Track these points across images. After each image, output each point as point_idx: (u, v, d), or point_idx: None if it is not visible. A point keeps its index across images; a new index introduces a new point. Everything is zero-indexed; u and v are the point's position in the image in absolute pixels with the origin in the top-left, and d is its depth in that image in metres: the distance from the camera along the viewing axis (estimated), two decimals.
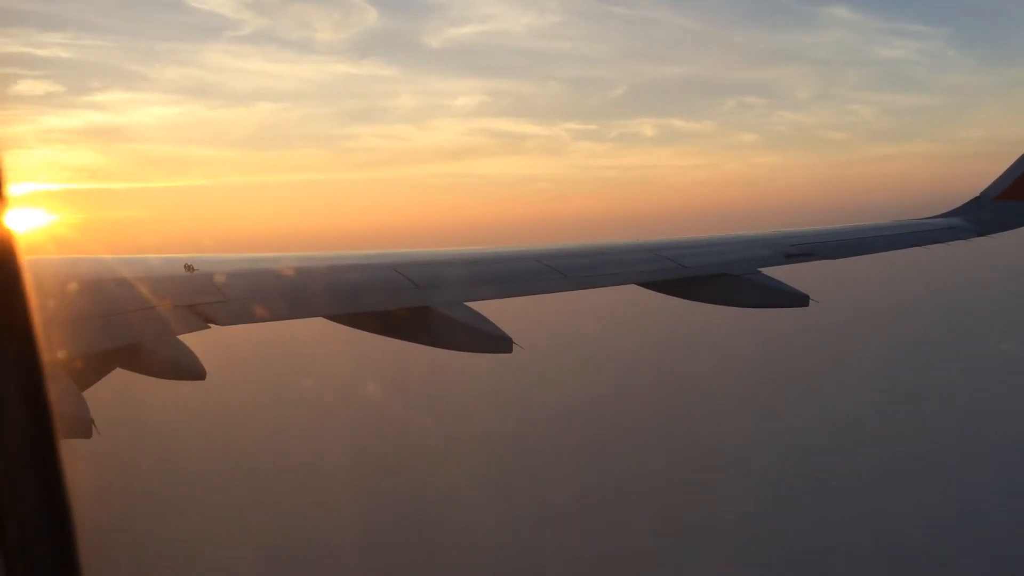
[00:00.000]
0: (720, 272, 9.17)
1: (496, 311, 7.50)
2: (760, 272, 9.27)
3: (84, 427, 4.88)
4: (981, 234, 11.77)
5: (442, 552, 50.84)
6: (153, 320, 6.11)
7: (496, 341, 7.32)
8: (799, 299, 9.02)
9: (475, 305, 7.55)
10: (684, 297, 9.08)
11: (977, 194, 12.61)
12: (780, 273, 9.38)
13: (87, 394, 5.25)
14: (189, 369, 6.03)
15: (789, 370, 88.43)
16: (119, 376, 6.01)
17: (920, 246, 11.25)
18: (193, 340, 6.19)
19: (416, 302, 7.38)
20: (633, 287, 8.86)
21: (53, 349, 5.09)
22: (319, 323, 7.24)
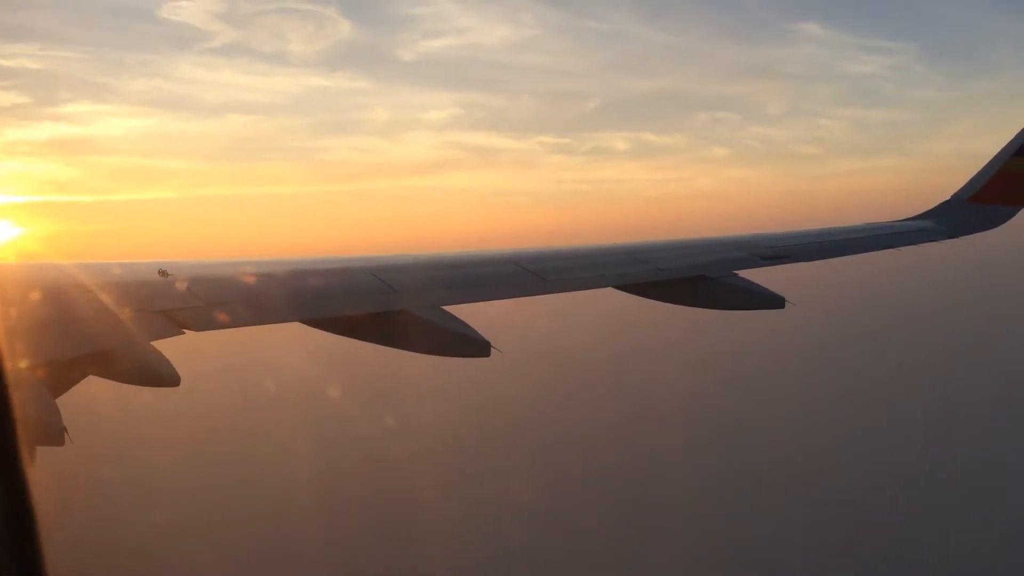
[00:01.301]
0: (696, 274, 9.22)
1: (474, 315, 7.48)
2: (736, 274, 9.34)
3: (56, 434, 4.81)
4: (952, 236, 11.93)
5: (418, 555, 50.64)
6: (126, 326, 6.04)
7: (474, 345, 7.30)
8: (775, 301, 9.09)
9: (453, 309, 7.53)
10: (660, 299, 9.11)
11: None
12: (756, 275, 9.44)
13: (60, 401, 5.18)
14: (163, 375, 5.95)
15: (765, 372, 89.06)
16: (92, 383, 5.93)
17: (892, 248, 11.38)
18: (167, 346, 6.13)
19: (393, 306, 7.35)
20: (610, 290, 8.88)
21: (22, 356, 5.01)
22: (295, 328, 7.19)
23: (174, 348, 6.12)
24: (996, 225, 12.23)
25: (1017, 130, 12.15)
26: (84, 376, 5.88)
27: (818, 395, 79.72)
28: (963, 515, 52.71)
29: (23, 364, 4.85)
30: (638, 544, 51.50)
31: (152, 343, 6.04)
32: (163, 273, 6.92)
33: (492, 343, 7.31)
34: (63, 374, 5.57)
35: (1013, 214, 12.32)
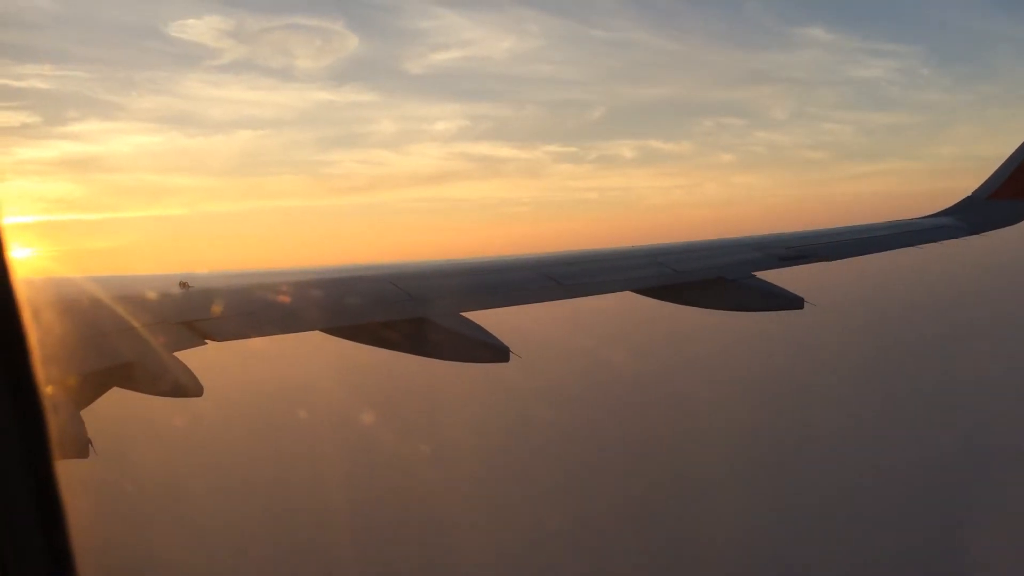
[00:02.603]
0: (714, 276, 9.18)
1: (492, 321, 7.49)
2: (754, 276, 9.28)
3: (81, 447, 4.86)
4: (973, 232, 11.81)
5: (440, 562, 50.67)
6: (149, 338, 6.10)
7: (493, 351, 7.31)
8: (794, 302, 9.03)
9: (471, 315, 7.54)
10: (679, 302, 9.07)
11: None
12: (774, 276, 9.38)
13: (84, 414, 5.23)
14: (186, 386, 5.99)
15: (786, 374, 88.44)
16: (116, 395, 5.99)
17: (913, 246, 11.28)
18: (189, 357, 6.17)
19: (413, 314, 7.37)
20: (628, 293, 8.86)
21: (49, 369, 5.06)
22: (316, 337, 7.23)
23: (196, 359, 6.16)
24: (1017, 221, 12.10)
25: (1020, 133, 12.05)
26: (108, 388, 5.93)
27: (838, 396, 79.01)
28: (988, 516, 52.07)
29: (47, 378, 4.89)
30: (658, 545, 51.30)
31: (174, 354, 6.09)
32: (184, 285, 6.98)
33: (511, 348, 7.31)
34: (87, 387, 5.62)
35: None
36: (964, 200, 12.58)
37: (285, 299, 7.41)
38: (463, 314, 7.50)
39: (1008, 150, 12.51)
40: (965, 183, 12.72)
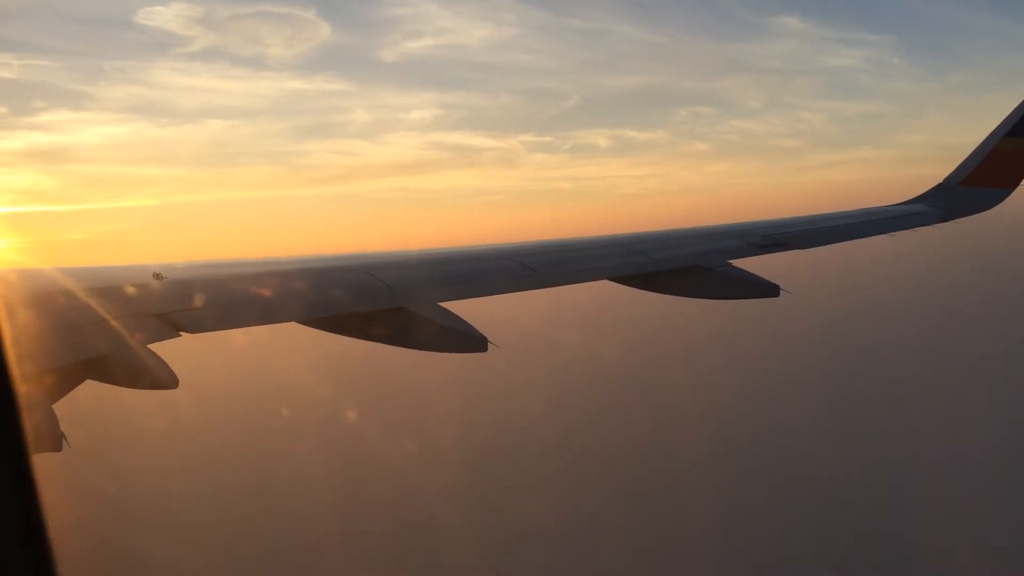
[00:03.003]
0: (691, 264, 9.21)
1: (470, 310, 7.48)
2: (731, 264, 9.33)
3: (55, 441, 4.80)
4: (945, 219, 11.95)
5: (419, 554, 50.71)
6: (123, 330, 6.02)
7: (471, 341, 7.30)
8: (770, 289, 9.09)
9: (449, 305, 7.52)
10: (656, 291, 9.10)
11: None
12: (750, 264, 9.44)
13: (57, 407, 5.16)
14: (161, 378, 5.92)
15: (762, 361, 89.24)
16: (89, 387, 5.91)
17: (886, 233, 11.39)
18: (164, 349, 6.10)
19: (390, 304, 7.33)
20: (606, 282, 8.88)
21: (21, 362, 4.97)
22: (292, 328, 7.17)
23: (171, 351, 6.10)
24: (988, 207, 12.25)
25: (988, 122, 12.19)
26: (81, 381, 5.85)
27: (817, 385, 79.88)
28: (964, 504, 52.95)
29: (20, 371, 4.81)
30: (638, 535, 51.67)
31: (149, 346, 6.01)
32: (158, 276, 6.88)
33: (489, 338, 7.30)
34: (60, 380, 5.54)
35: (1005, 196, 12.33)
36: (936, 187, 12.72)
37: (261, 290, 7.34)
38: (441, 304, 7.48)
39: (977, 138, 12.66)
40: (935, 171, 12.89)
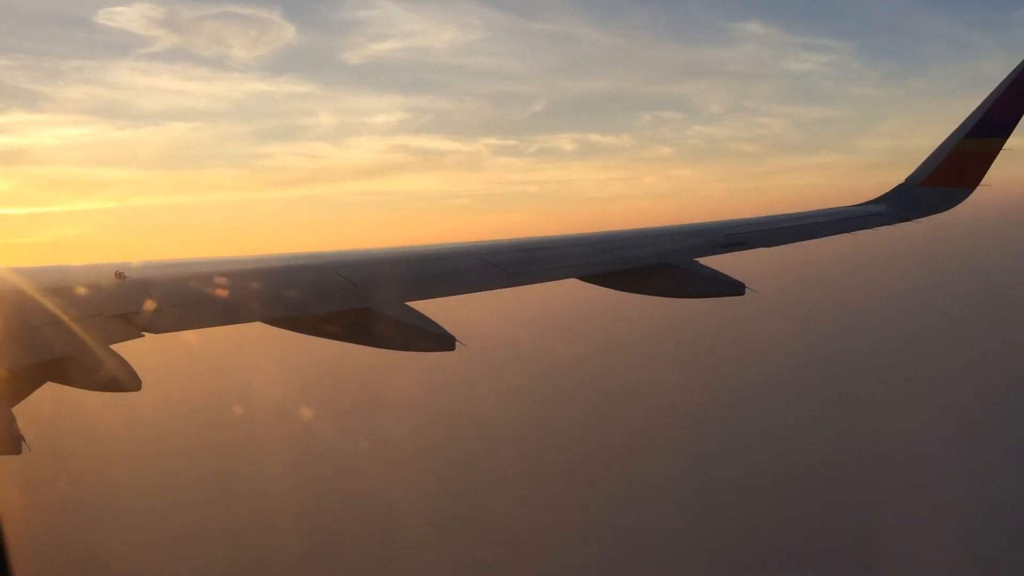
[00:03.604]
0: (657, 263, 9.28)
1: (438, 309, 7.46)
2: (696, 262, 9.42)
3: (14, 443, 4.71)
4: (906, 219, 12.17)
5: (384, 551, 50.54)
6: (84, 330, 5.92)
7: (439, 340, 7.27)
8: (735, 287, 9.18)
9: (416, 304, 7.49)
10: (623, 289, 9.15)
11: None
12: (716, 263, 9.53)
13: (16, 410, 5.07)
14: (123, 380, 5.83)
15: (726, 358, 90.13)
16: (50, 390, 5.81)
17: (848, 232, 11.57)
18: (127, 349, 6.01)
19: (357, 303, 7.29)
20: (573, 281, 8.91)
21: None
22: (257, 328, 7.10)
23: (134, 351, 6.01)
24: (949, 207, 12.47)
25: (947, 126, 12.40)
26: (41, 383, 5.74)
27: (777, 379, 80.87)
28: (931, 500, 53.89)
29: None
30: (608, 532, 51.93)
31: (111, 347, 5.91)
32: (120, 275, 6.77)
33: (457, 337, 7.29)
34: (19, 382, 5.44)
35: (965, 196, 12.55)
36: (897, 187, 12.93)
37: (226, 290, 7.26)
38: (408, 303, 7.45)
39: (936, 142, 12.87)
40: (895, 175, 13.12)
